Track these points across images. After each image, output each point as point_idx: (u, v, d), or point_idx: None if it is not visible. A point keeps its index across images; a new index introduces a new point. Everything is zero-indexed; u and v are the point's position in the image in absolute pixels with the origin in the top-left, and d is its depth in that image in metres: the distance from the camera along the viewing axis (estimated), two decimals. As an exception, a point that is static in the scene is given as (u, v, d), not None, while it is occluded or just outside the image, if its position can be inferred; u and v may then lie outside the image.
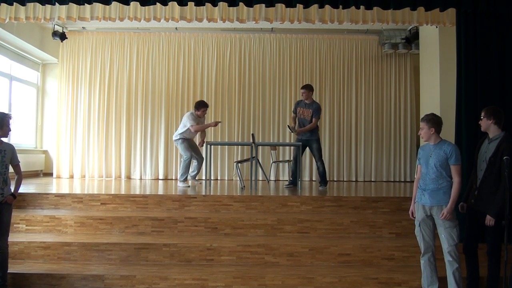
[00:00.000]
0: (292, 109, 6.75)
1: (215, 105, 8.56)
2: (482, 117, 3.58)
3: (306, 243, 4.34)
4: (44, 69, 8.87)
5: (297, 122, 6.48)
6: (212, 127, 6.91)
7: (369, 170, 8.57)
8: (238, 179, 6.95)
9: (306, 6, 4.74)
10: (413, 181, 7.41)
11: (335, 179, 8.53)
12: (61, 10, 5.30)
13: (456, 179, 3.40)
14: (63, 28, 8.11)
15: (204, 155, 6.70)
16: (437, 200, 3.44)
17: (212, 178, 7.45)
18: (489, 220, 3.36)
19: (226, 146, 8.50)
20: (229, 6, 4.81)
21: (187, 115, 6.67)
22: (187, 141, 6.67)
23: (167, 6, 5.03)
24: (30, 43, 7.62)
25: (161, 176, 8.43)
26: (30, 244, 4.30)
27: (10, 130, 3.73)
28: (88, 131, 8.46)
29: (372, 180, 8.52)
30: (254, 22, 5.39)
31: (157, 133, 8.53)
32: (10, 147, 3.80)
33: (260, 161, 7.77)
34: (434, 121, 3.48)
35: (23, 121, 8.31)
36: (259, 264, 4.21)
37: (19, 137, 8.05)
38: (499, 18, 4.61)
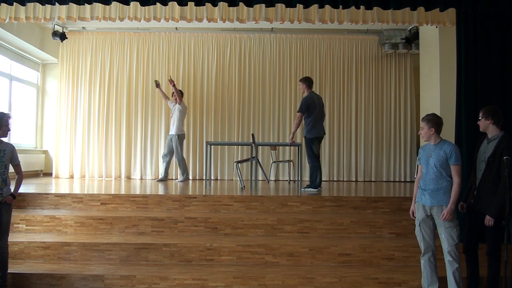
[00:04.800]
0: None
1: (215, 105, 8.56)
2: (480, 118, 3.57)
3: (306, 243, 4.34)
4: (44, 69, 8.88)
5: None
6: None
7: (369, 170, 8.57)
8: (238, 179, 6.95)
9: (306, 6, 4.74)
10: (413, 181, 7.43)
11: (335, 179, 8.54)
12: (61, 10, 5.30)
13: (456, 180, 3.40)
14: (63, 28, 8.12)
15: (203, 155, 6.76)
16: (437, 200, 3.43)
17: (212, 178, 7.46)
18: (488, 220, 3.36)
19: (226, 146, 8.50)
20: (229, 6, 4.81)
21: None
22: None
23: (167, 6, 5.03)
24: (30, 43, 7.63)
25: (161, 176, 8.42)
26: (30, 244, 4.30)
27: (9, 130, 3.73)
28: (88, 131, 8.46)
29: (372, 180, 8.53)
30: (254, 22, 5.39)
31: (157, 133, 8.53)
32: (10, 147, 3.80)
33: (260, 161, 7.77)
34: (434, 122, 3.48)
35: (23, 121, 8.31)
36: (259, 264, 4.21)
37: (19, 137, 8.06)
38: (499, 18, 4.60)
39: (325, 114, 6.46)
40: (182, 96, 7.47)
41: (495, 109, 3.57)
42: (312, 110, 5.98)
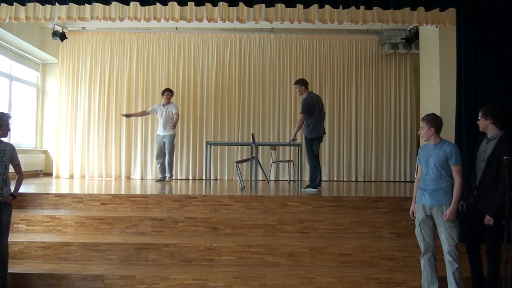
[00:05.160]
0: None
1: (215, 105, 8.56)
2: (479, 117, 3.57)
3: (306, 243, 4.34)
4: (44, 69, 8.88)
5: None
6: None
7: (369, 170, 8.57)
8: (238, 179, 6.95)
9: (306, 6, 4.75)
10: (413, 181, 7.42)
11: (335, 179, 8.53)
12: (61, 10, 5.31)
13: (457, 179, 3.40)
14: (63, 28, 8.12)
15: (203, 155, 6.73)
16: (437, 200, 3.43)
17: (212, 178, 7.46)
18: (488, 220, 3.36)
19: (226, 146, 8.50)
20: (229, 6, 4.82)
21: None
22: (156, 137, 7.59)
23: (167, 6, 5.03)
24: (30, 43, 7.63)
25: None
26: (30, 244, 4.30)
27: (9, 130, 3.73)
28: (88, 131, 8.47)
29: (372, 180, 8.53)
30: (254, 22, 5.40)
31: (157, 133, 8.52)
32: (10, 147, 3.79)
33: (260, 161, 7.77)
34: (434, 122, 3.48)
35: (23, 121, 8.31)
36: (259, 264, 4.21)
37: (19, 137, 8.06)
38: (499, 18, 4.60)
39: (325, 113, 6.45)
40: (172, 93, 7.47)
41: (494, 108, 3.57)
42: (313, 110, 5.98)
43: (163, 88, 7.77)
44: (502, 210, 3.30)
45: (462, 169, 3.44)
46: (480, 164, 3.54)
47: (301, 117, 6.02)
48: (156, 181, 7.51)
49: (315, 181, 5.99)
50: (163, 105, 7.38)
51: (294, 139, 6.20)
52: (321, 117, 6.13)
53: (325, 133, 6.25)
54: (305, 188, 6.01)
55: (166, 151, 7.27)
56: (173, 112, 7.27)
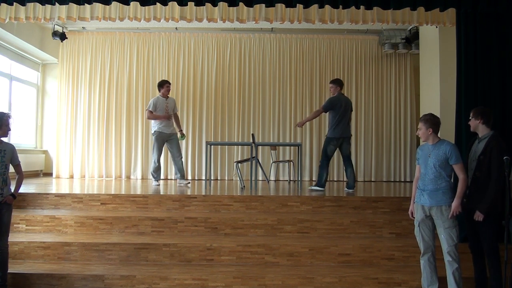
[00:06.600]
0: None
1: (215, 105, 8.56)
2: (470, 118, 3.64)
3: (306, 243, 4.34)
4: (44, 69, 8.88)
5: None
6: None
7: (369, 170, 8.57)
8: (238, 179, 6.95)
9: (306, 6, 4.75)
10: (413, 181, 7.42)
11: (335, 179, 8.53)
12: (61, 10, 5.31)
13: (461, 176, 3.42)
14: (63, 28, 8.12)
15: (203, 155, 6.68)
16: (436, 200, 3.44)
17: (212, 178, 7.45)
18: (478, 216, 3.37)
19: (226, 146, 8.50)
20: (229, 6, 4.82)
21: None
22: (158, 135, 6.57)
23: (167, 6, 5.03)
24: (30, 43, 7.63)
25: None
26: (30, 244, 4.30)
27: (9, 130, 3.72)
28: (88, 131, 8.47)
29: (372, 180, 8.53)
30: (254, 22, 5.40)
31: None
32: (10, 147, 3.79)
33: (260, 161, 7.77)
34: (432, 122, 3.49)
35: (23, 121, 8.31)
36: (259, 264, 4.22)
37: (19, 137, 8.06)
38: (499, 18, 4.61)
39: (350, 118, 6.32)
40: (169, 85, 6.75)
41: (484, 109, 3.64)
42: (337, 110, 5.98)
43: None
44: (494, 208, 3.35)
45: (464, 166, 3.48)
46: (471, 164, 3.57)
47: (318, 110, 6.28)
48: (186, 184, 6.84)
49: (320, 180, 6.07)
50: (164, 99, 6.63)
51: (300, 125, 6.40)
52: (342, 119, 6.02)
53: (349, 135, 6.18)
54: (313, 186, 6.15)
55: (179, 151, 6.71)
56: (175, 112, 6.80)
